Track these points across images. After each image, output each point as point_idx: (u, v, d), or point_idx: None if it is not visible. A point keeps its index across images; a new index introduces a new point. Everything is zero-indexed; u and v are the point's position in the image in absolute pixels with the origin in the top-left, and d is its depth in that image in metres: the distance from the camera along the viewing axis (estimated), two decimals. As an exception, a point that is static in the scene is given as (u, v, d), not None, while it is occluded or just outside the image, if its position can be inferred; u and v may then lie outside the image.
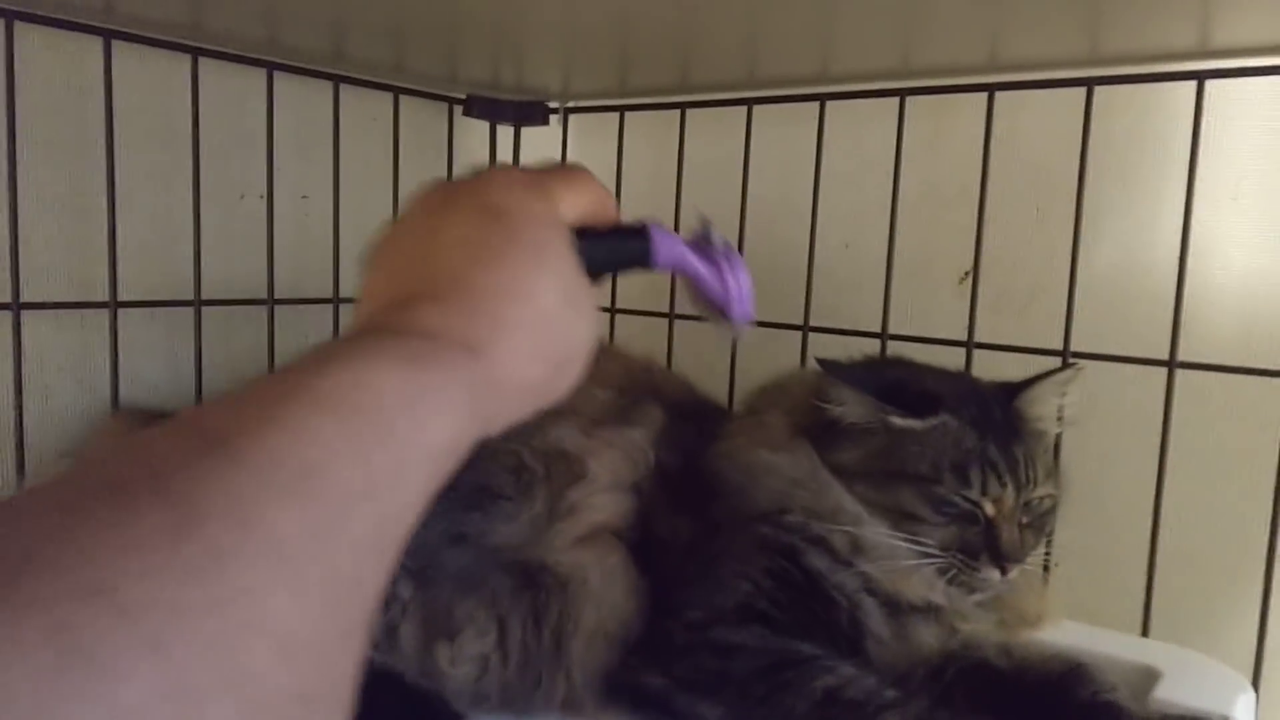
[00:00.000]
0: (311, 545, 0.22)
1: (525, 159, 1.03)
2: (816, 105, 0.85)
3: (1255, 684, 0.66)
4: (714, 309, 0.44)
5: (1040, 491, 0.58)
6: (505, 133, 1.02)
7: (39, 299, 0.71)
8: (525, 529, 0.56)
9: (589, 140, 1.03)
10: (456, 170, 0.99)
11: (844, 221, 0.87)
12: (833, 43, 0.72)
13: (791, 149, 0.87)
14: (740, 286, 0.43)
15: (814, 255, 0.85)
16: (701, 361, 0.82)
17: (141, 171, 0.76)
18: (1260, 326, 0.70)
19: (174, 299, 0.78)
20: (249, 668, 0.20)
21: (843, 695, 0.49)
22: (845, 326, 0.83)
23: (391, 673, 0.52)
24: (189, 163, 0.77)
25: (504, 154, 1.03)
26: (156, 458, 0.22)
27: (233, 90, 0.81)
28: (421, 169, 0.96)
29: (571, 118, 1.03)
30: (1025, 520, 0.57)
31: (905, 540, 0.55)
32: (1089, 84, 0.73)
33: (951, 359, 0.77)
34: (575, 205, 0.39)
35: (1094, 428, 0.68)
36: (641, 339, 0.91)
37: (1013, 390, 0.60)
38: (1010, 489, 0.56)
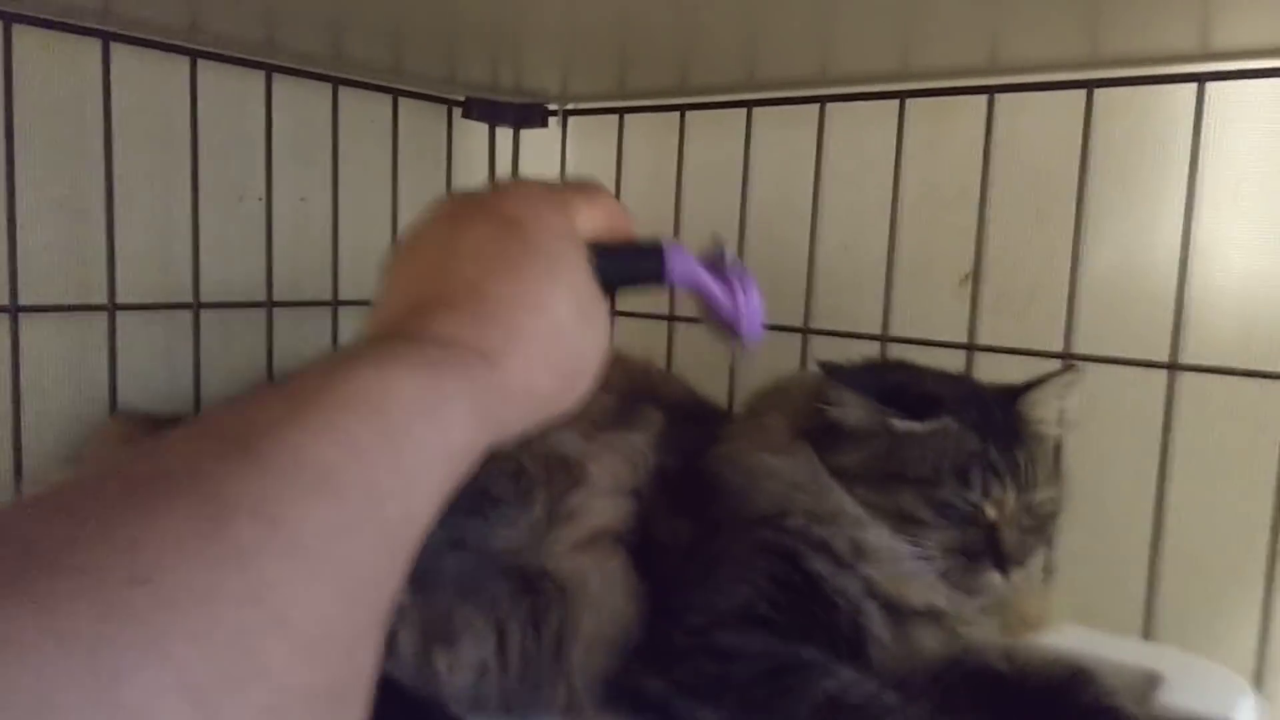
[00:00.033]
0: (332, 543, 0.23)
1: (524, 161, 1.03)
2: (816, 107, 0.85)
3: (1258, 687, 0.66)
4: (724, 327, 0.44)
5: (1042, 494, 0.58)
6: (504, 135, 1.02)
7: (37, 302, 0.70)
8: (525, 534, 0.56)
9: (588, 142, 1.03)
10: (455, 172, 0.99)
11: (844, 223, 0.87)
12: (832, 44, 0.72)
13: (791, 151, 0.87)
14: (751, 307, 0.44)
15: (814, 257, 0.85)
16: (701, 364, 0.82)
17: (140, 174, 0.76)
18: (1261, 329, 0.70)
19: (172, 302, 0.78)
20: (282, 656, 0.21)
21: (844, 699, 0.49)
22: (845, 329, 0.83)
23: (389, 678, 0.51)
24: (187, 165, 0.77)
25: (503, 156, 1.02)
26: (184, 456, 0.23)
27: (231, 92, 0.81)
28: (420, 171, 0.96)
29: (571, 120, 1.02)
30: (1027, 523, 0.57)
31: (907, 543, 0.55)
32: (1089, 86, 0.73)
33: (952, 361, 0.77)
34: (591, 220, 0.40)
35: (1095, 430, 0.68)
36: (641, 342, 0.91)
37: (1014, 393, 0.60)
38: (1011, 492, 0.56)
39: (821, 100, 0.84)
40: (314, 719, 0.22)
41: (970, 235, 0.78)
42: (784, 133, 0.89)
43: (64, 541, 0.20)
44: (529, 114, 1.00)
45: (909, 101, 0.79)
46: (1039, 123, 0.79)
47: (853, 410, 0.57)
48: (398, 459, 0.26)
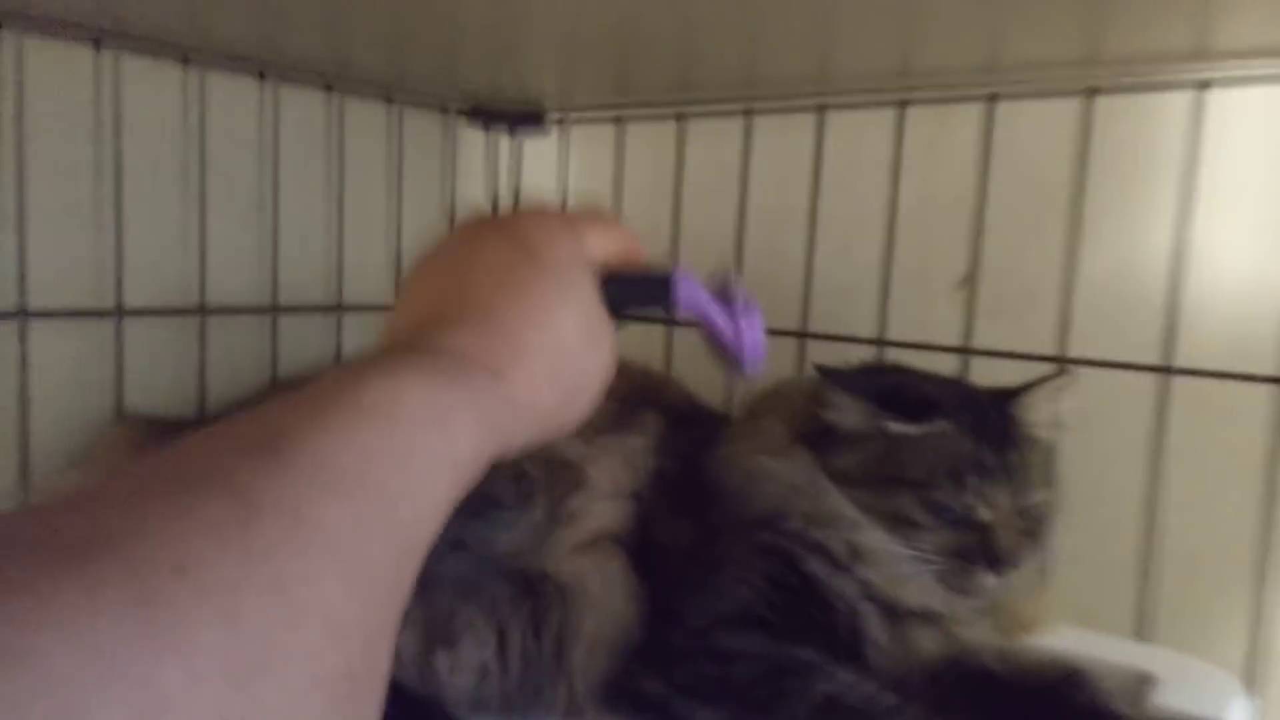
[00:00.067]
0: (354, 539, 0.24)
1: (525, 168, 1.03)
2: (815, 113, 0.85)
3: (1250, 688, 0.67)
4: (726, 356, 0.46)
5: (1037, 497, 0.58)
6: (505, 142, 1.03)
7: (44, 307, 0.71)
8: (525, 537, 0.57)
9: (588, 149, 1.03)
10: (456, 179, 1.00)
11: (841, 228, 0.88)
12: (831, 49, 0.73)
13: (790, 156, 0.88)
14: (754, 341, 0.46)
15: (812, 262, 0.86)
16: (700, 368, 0.82)
17: (146, 181, 0.77)
18: (1253, 332, 0.70)
19: (178, 307, 0.79)
20: (306, 644, 0.22)
21: (841, 701, 0.50)
22: (842, 333, 0.84)
23: (390, 680, 0.52)
24: (194, 172, 0.78)
25: (504, 163, 1.03)
26: (211, 457, 0.24)
27: (236, 101, 0.82)
28: (422, 178, 0.97)
29: (571, 127, 1.03)
30: (1022, 526, 0.57)
31: (903, 546, 0.56)
32: (1088, 93, 0.73)
33: (947, 365, 0.78)
34: (603, 246, 0.41)
35: (1089, 433, 0.68)
36: (641, 345, 0.92)
37: (1009, 396, 0.60)
38: (1006, 494, 0.56)
39: (820, 107, 0.85)
40: (337, 707, 0.23)
41: (966, 240, 0.78)
42: (782, 138, 0.90)
43: (102, 532, 0.20)
44: (529, 121, 1.01)
45: (907, 108, 0.80)
46: (1036, 129, 0.80)
47: (849, 413, 0.58)
48: (409, 464, 0.27)
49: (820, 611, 0.55)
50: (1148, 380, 0.71)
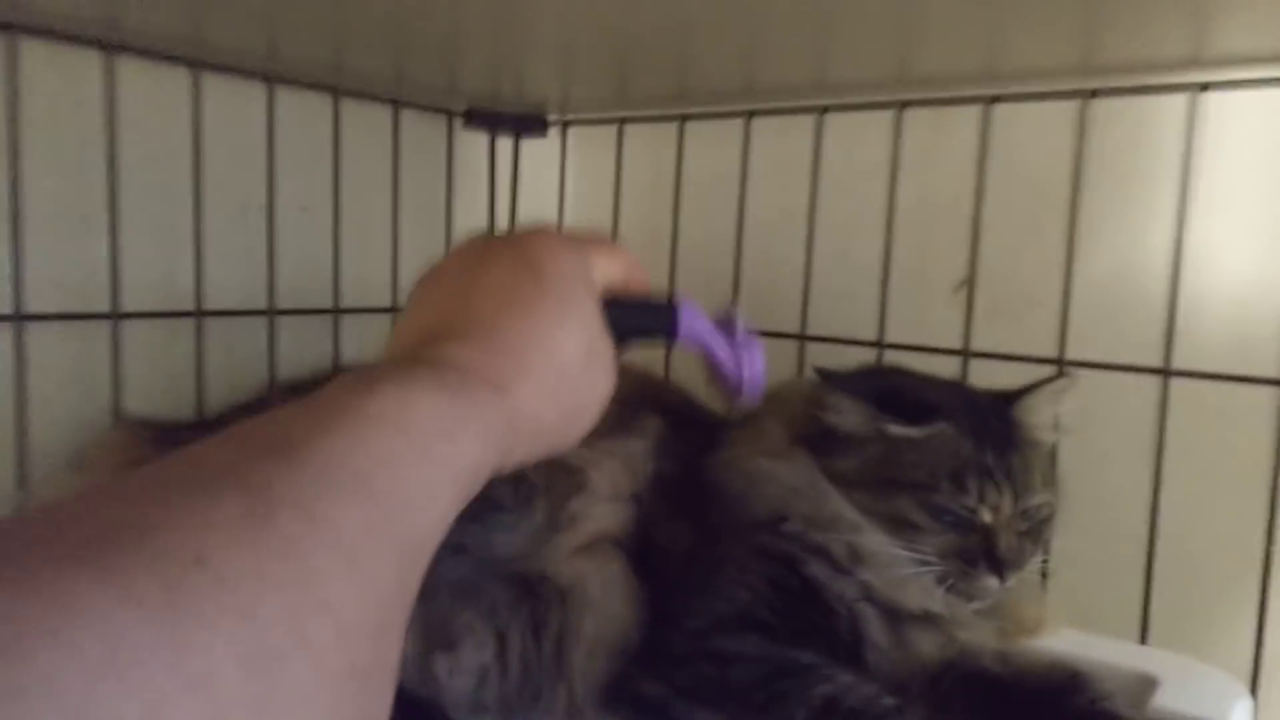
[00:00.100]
0: (365, 542, 0.25)
1: (524, 171, 1.03)
2: (814, 116, 0.85)
3: (1253, 691, 0.66)
4: (726, 387, 0.47)
5: (1037, 499, 0.58)
6: (504, 145, 1.03)
7: (41, 310, 0.71)
8: (525, 540, 0.56)
9: (588, 152, 1.03)
10: (455, 182, 1.00)
11: (840, 231, 0.88)
12: (830, 53, 0.73)
13: (789, 159, 0.88)
14: (755, 373, 0.47)
15: (811, 264, 0.86)
16: (699, 371, 0.82)
17: (143, 183, 0.76)
18: (1254, 334, 0.70)
19: (175, 310, 0.79)
20: (321, 638, 0.22)
21: (841, 703, 0.50)
22: (842, 336, 0.84)
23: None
24: (190, 175, 0.78)
25: (503, 166, 1.03)
26: (227, 457, 0.25)
27: (234, 103, 0.81)
28: (421, 181, 0.97)
29: (570, 129, 1.03)
30: (1023, 528, 0.57)
31: (904, 548, 0.55)
32: (1085, 95, 0.73)
33: (948, 367, 0.78)
34: (608, 271, 0.42)
35: (1089, 435, 0.68)
36: (640, 349, 0.92)
37: (1009, 398, 0.60)
38: (1007, 497, 0.56)
39: (819, 110, 0.85)
40: (348, 701, 0.23)
41: (965, 242, 0.78)
42: (782, 142, 0.90)
43: (122, 524, 0.21)
44: (529, 124, 1.01)
45: (905, 110, 0.80)
46: (1034, 132, 0.80)
47: (849, 416, 0.58)
48: (419, 472, 0.28)
49: (820, 614, 0.55)
50: (1148, 382, 0.71)
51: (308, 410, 0.28)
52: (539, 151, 1.03)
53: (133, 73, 0.74)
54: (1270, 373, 0.68)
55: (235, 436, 0.26)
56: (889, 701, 0.50)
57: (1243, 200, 0.71)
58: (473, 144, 1.01)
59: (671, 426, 0.64)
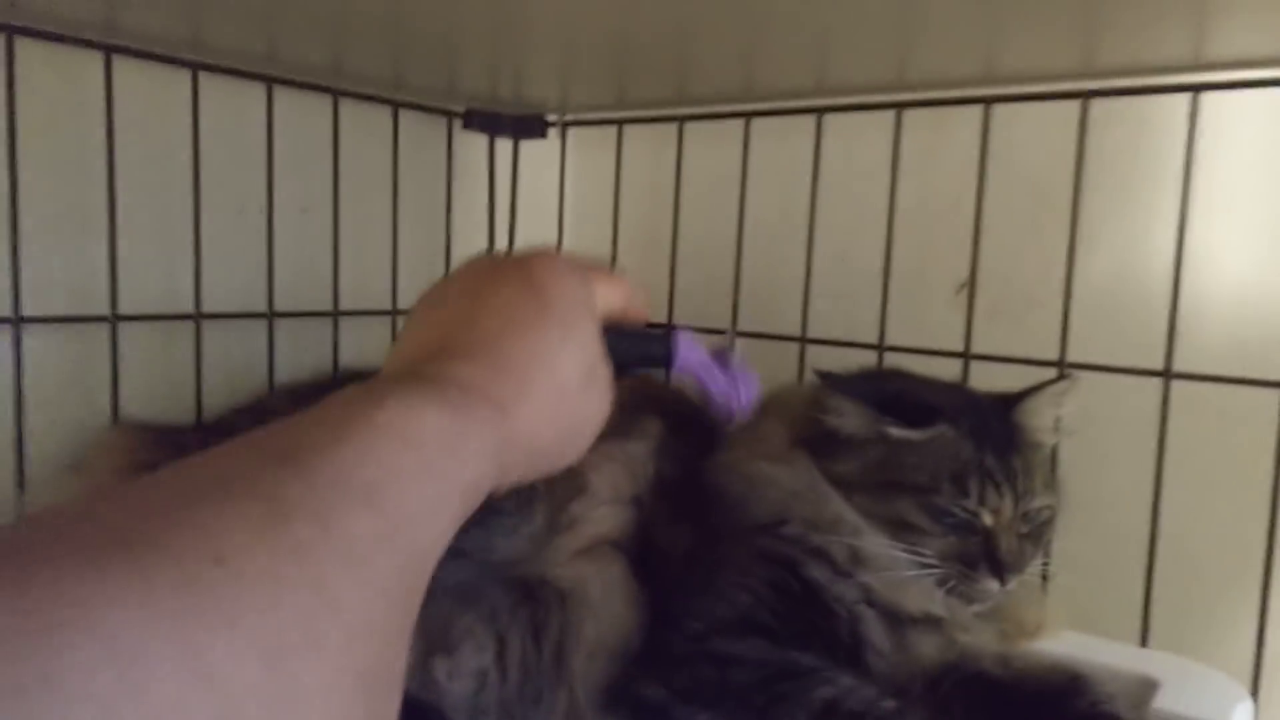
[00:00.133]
0: (373, 549, 0.26)
1: (524, 172, 1.03)
2: (814, 118, 0.85)
3: (1254, 693, 0.66)
4: (715, 414, 0.50)
5: (1038, 502, 0.58)
6: (504, 146, 1.03)
7: (39, 313, 0.71)
8: (525, 544, 0.56)
9: (587, 153, 1.03)
10: (455, 183, 0.99)
11: (840, 233, 0.88)
12: (829, 56, 0.73)
13: (789, 161, 0.88)
14: (744, 403, 0.50)
15: (811, 266, 0.86)
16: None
17: (141, 185, 0.76)
18: (1255, 336, 0.70)
19: (174, 312, 0.78)
20: (334, 638, 0.23)
21: (841, 706, 0.49)
22: (842, 338, 0.84)
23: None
24: (189, 176, 0.77)
25: (503, 167, 1.03)
26: (239, 465, 0.26)
27: (232, 104, 0.81)
28: (421, 182, 0.96)
29: (570, 131, 1.03)
30: (1024, 530, 0.57)
31: (904, 551, 0.55)
32: (1085, 96, 0.73)
33: (948, 370, 0.78)
34: (609, 299, 0.44)
35: (1091, 438, 0.68)
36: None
37: (1010, 401, 0.60)
38: (1008, 499, 0.56)
39: (818, 111, 0.85)
40: (361, 701, 0.24)
41: (966, 244, 0.78)
42: (781, 143, 0.90)
43: (142, 524, 0.22)
44: (528, 125, 1.01)
45: (905, 112, 0.80)
46: (1034, 133, 0.80)
47: (850, 418, 0.58)
48: (425, 485, 0.29)
49: (821, 617, 0.55)
50: (1149, 384, 0.71)
51: (317, 421, 0.28)
52: (539, 153, 1.03)
53: (131, 74, 0.74)
54: (1271, 375, 0.68)
55: (246, 445, 0.27)
56: (889, 704, 0.50)
57: (1243, 201, 0.71)
58: (472, 145, 1.01)
59: (671, 428, 0.64)
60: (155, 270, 0.78)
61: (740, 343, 0.52)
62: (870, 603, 0.55)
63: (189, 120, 0.77)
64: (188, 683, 0.19)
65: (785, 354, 0.86)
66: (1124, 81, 0.71)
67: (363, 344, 0.91)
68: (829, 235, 0.87)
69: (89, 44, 0.71)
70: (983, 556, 0.56)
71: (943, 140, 0.84)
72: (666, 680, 0.53)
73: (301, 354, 0.87)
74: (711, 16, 0.62)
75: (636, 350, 0.46)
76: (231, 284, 0.82)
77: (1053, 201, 0.77)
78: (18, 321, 0.69)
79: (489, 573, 0.55)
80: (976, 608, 0.57)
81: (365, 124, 0.91)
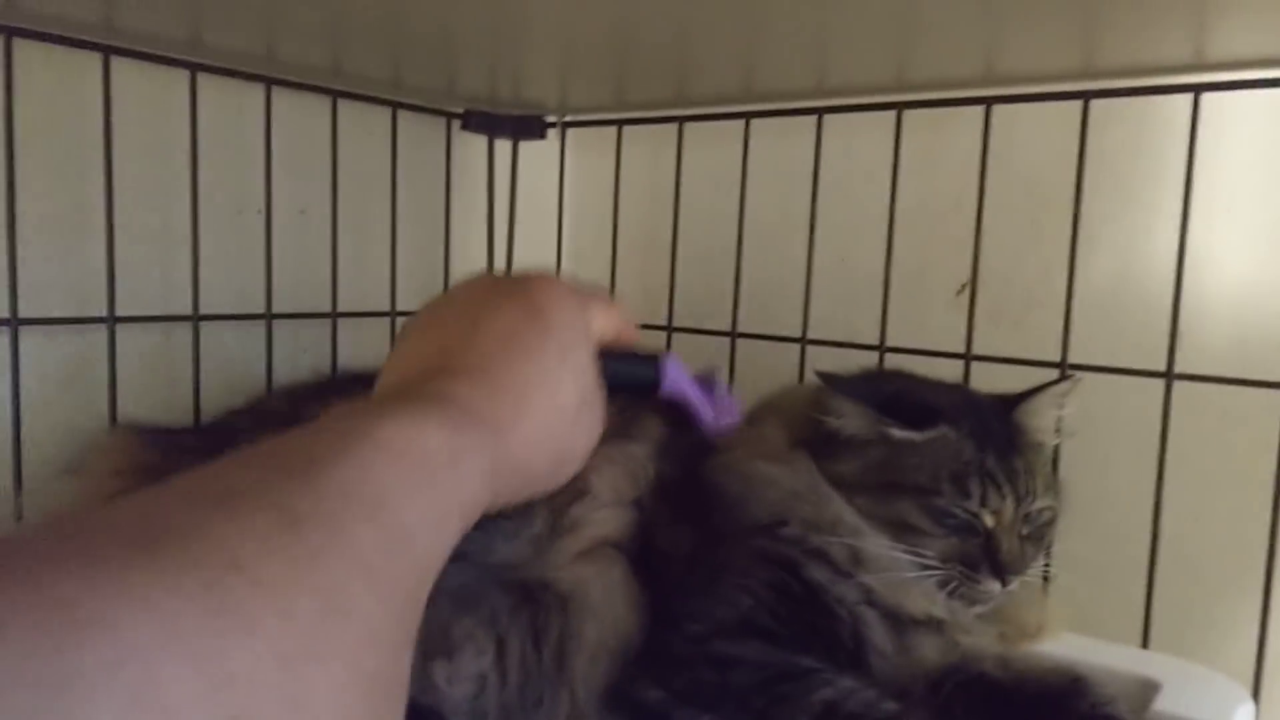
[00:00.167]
0: (381, 559, 0.26)
1: (523, 173, 1.03)
2: (814, 119, 0.85)
3: (1256, 695, 0.66)
4: (700, 433, 0.54)
5: (1040, 503, 0.58)
6: (503, 147, 1.02)
7: (37, 314, 0.71)
8: (526, 547, 0.56)
9: (587, 154, 1.03)
10: (454, 184, 0.99)
11: (841, 234, 0.88)
12: (829, 57, 0.73)
13: (789, 162, 0.88)
14: (725, 425, 0.54)
15: (811, 268, 0.86)
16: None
17: (139, 186, 0.76)
18: (1257, 338, 0.70)
19: (172, 314, 0.78)
20: (347, 643, 0.24)
21: (842, 708, 0.49)
22: (843, 339, 0.84)
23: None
24: (187, 177, 0.77)
25: (502, 168, 1.03)
26: (246, 475, 0.26)
27: (231, 105, 0.81)
28: (419, 183, 0.96)
29: (569, 132, 1.03)
30: (1025, 532, 0.57)
31: (905, 552, 0.55)
32: (1085, 97, 0.73)
33: (949, 371, 0.77)
34: (604, 325, 0.45)
35: (1092, 439, 0.68)
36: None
37: (1011, 402, 0.60)
38: (1010, 500, 0.56)
39: (819, 112, 0.85)
40: (370, 705, 0.24)
41: (966, 246, 0.78)
42: (781, 144, 0.89)
43: (160, 530, 0.22)
44: (528, 126, 1.01)
45: (905, 113, 0.80)
46: (1035, 134, 0.80)
47: (851, 419, 0.58)
48: (427, 499, 0.30)
49: (822, 618, 0.55)
50: (1150, 385, 0.70)
51: (322, 435, 0.29)
52: (538, 154, 1.03)
53: (129, 75, 0.74)
54: (1273, 376, 0.67)
55: (254, 457, 0.28)
56: (890, 706, 0.50)
57: (1245, 202, 0.71)
58: (471, 146, 1.01)
59: (672, 429, 0.64)
60: (153, 271, 0.78)
61: (723, 372, 0.55)
62: (871, 604, 0.55)
63: (187, 121, 0.77)
64: (208, 684, 0.20)
65: (786, 355, 0.85)
66: (1125, 82, 0.71)
67: (361, 345, 0.91)
68: (829, 236, 0.87)
69: (87, 45, 0.71)
70: (984, 558, 0.55)
71: (943, 141, 0.84)
72: (666, 682, 0.53)
73: (300, 355, 0.87)
74: (711, 17, 0.61)
75: (626, 372, 0.47)
76: (230, 285, 0.82)
77: (1053, 202, 0.77)
78: (15, 322, 0.69)
79: (489, 576, 0.55)
80: (978, 609, 0.57)
81: (364, 125, 0.91)
